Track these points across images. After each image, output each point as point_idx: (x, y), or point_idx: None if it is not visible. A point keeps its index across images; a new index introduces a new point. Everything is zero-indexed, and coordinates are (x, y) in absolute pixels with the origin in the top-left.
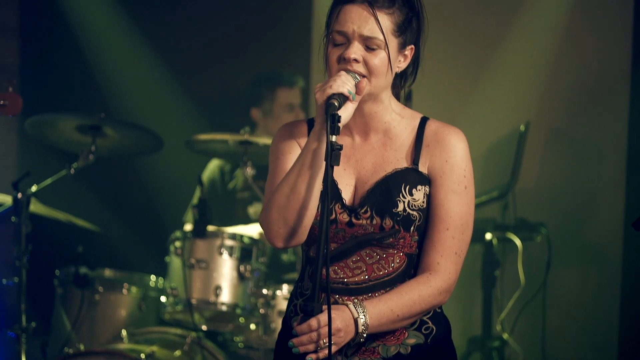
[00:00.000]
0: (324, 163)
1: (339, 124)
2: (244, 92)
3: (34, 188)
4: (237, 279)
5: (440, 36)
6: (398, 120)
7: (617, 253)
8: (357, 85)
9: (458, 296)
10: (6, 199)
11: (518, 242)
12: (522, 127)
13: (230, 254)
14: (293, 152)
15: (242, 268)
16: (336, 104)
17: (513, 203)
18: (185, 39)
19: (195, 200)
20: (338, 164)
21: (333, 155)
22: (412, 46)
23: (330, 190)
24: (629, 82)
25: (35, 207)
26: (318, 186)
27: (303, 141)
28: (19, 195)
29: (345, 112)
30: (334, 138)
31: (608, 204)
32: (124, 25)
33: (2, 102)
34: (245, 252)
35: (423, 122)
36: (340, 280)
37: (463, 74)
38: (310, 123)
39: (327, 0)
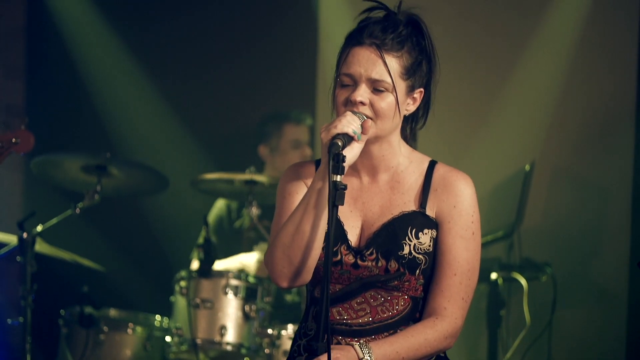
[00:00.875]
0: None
1: (344, 164)
2: (249, 132)
3: (39, 228)
4: (242, 319)
5: (445, 77)
6: (406, 164)
7: (623, 292)
8: (362, 125)
9: (463, 336)
10: (11, 239)
11: (523, 281)
12: (527, 167)
13: (236, 294)
14: (300, 192)
15: (247, 308)
16: (339, 143)
17: (518, 243)
18: (192, 79)
19: (200, 240)
20: (342, 204)
21: (337, 195)
22: (422, 89)
23: (333, 230)
24: (634, 122)
25: (40, 246)
26: (323, 226)
27: (310, 181)
28: (25, 235)
29: (351, 152)
30: (338, 178)
31: (614, 243)
32: (130, 65)
33: (14, 139)
34: (250, 291)
35: (432, 165)
36: (344, 321)
37: (468, 113)
38: (318, 163)
39: (333, 41)
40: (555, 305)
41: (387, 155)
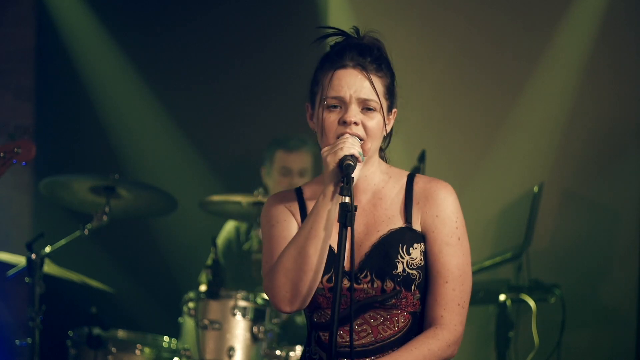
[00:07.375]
0: (335, 225)
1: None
2: (257, 154)
3: (47, 249)
4: (251, 340)
5: (453, 100)
6: (386, 180)
7: (632, 314)
8: (362, 147)
9: (472, 357)
10: (20, 260)
11: (532, 303)
12: (535, 188)
13: (244, 315)
14: (288, 219)
15: (255, 329)
16: (352, 164)
17: (527, 264)
18: (200, 101)
19: (209, 261)
20: (352, 226)
21: (348, 216)
22: (396, 109)
23: (343, 253)
24: None
25: (49, 268)
26: (326, 249)
27: (294, 208)
28: (33, 256)
29: (356, 174)
30: (347, 199)
31: (622, 265)
32: (139, 87)
33: (15, 149)
34: (258, 313)
35: (410, 179)
36: (346, 344)
37: (476, 135)
38: (299, 192)
39: None
40: (564, 326)
41: (369, 175)
